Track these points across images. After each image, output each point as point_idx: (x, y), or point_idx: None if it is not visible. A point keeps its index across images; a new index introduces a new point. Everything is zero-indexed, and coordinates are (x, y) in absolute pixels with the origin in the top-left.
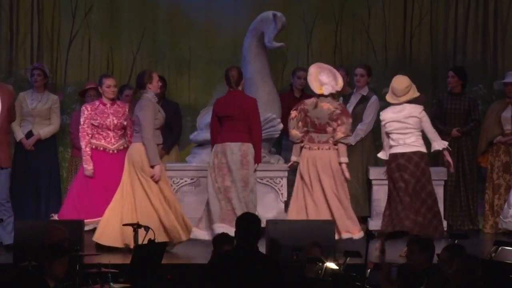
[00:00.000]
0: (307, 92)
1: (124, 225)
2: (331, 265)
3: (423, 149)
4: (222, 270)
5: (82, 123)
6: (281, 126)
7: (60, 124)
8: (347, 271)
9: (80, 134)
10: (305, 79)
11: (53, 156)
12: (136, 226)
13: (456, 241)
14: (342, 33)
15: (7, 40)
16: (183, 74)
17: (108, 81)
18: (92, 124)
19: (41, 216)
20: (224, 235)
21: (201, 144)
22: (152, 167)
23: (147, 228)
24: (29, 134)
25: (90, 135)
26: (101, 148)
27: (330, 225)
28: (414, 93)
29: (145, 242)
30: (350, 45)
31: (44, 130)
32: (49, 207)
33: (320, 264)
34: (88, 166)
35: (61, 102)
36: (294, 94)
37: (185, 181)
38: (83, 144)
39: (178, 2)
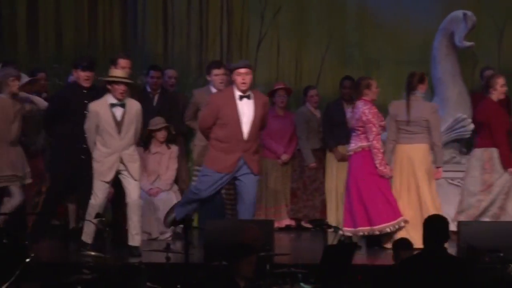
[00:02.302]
0: None
1: (325, 225)
2: None
3: None
4: (411, 273)
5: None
6: (472, 126)
7: None
8: None
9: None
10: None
11: None
12: (325, 226)
13: None
14: None
15: (197, 42)
16: (371, 74)
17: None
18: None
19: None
20: (403, 241)
21: None
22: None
23: (337, 229)
24: None
25: None
26: None
27: None
28: None
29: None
30: None
31: None
32: None
33: None
34: None
35: None
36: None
37: None
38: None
39: (366, 2)
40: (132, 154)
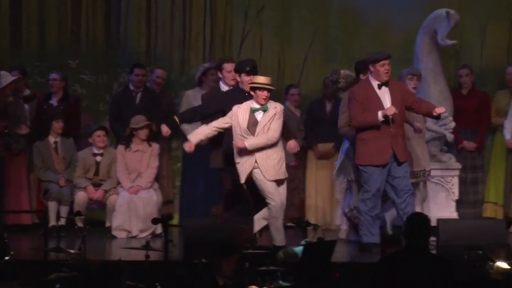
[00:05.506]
0: (478, 89)
1: (305, 223)
2: (502, 264)
3: None
4: (392, 270)
5: None
6: (453, 124)
7: None
8: None
9: None
10: (467, 76)
11: None
12: (305, 224)
13: None
14: None
15: (180, 39)
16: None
17: None
18: None
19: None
20: (391, 236)
21: None
22: None
23: (317, 227)
24: None
25: None
26: None
27: (502, 224)
28: None
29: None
30: None
31: None
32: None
33: (491, 263)
34: None
35: None
36: (461, 91)
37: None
38: None
39: (350, 0)
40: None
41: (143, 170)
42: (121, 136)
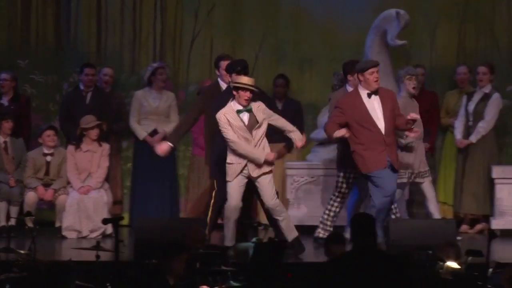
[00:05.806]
0: (427, 89)
1: (256, 223)
2: (452, 264)
3: None
4: (343, 271)
5: None
6: None
7: None
8: (468, 270)
9: None
10: (423, 75)
11: (174, 154)
12: (257, 225)
13: None
14: (466, 31)
15: (130, 39)
16: (304, 72)
17: None
18: None
19: (164, 214)
20: (335, 235)
21: (322, 143)
22: None
23: (268, 227)
24: (154, 133)
25: None
26: None
27: (452, 224)
28: None
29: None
30: (474, 43)
31: (170, 128)
32: (172, 205)
33: (441, 263)
34: None
35: (183, 101)
36: None
37: (306, 179)
38: None
39: (300, 0)
40: None
41: (94, 170)
42: (72, 136)
